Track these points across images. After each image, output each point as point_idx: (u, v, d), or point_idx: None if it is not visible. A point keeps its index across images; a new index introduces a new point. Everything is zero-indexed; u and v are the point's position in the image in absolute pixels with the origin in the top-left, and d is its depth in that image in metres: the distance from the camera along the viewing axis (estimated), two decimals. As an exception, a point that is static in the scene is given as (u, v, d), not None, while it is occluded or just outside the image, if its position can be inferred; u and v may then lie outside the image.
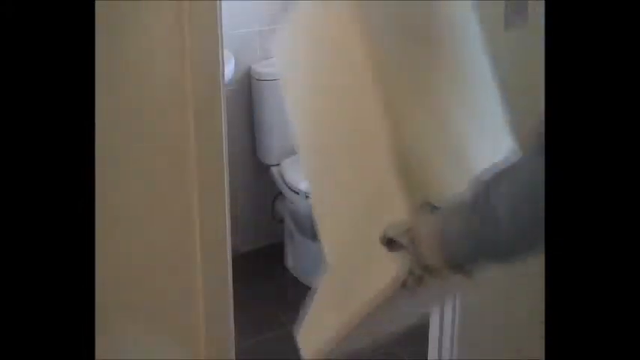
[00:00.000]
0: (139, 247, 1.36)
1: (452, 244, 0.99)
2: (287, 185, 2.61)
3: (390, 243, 1.05)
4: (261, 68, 2.70)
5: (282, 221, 2.80)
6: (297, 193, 2.51)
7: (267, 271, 2.75)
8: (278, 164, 2.73)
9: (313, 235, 2.55)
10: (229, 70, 2.42)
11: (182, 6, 1.26)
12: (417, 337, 2.13)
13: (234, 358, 1.55)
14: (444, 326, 1.86)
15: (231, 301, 1.49)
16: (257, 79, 2.70)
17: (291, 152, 2.51)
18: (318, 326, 1.29)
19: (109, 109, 1.24)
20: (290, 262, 2.77)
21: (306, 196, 2.40)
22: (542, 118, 0.85)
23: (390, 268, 1.06)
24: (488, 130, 1.27)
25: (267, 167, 2.78)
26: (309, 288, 1.29)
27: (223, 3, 1.35)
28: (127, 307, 1.38)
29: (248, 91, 2.77)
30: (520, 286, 1.91)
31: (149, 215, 1.35)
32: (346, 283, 1.21)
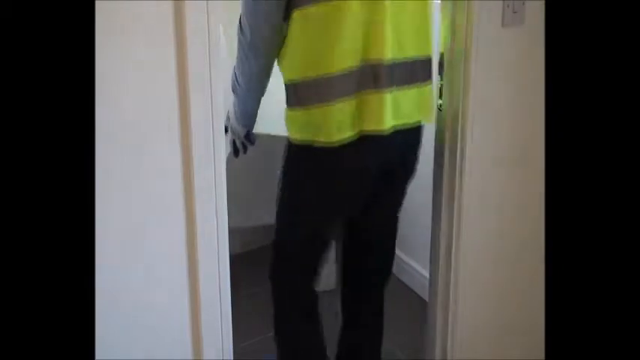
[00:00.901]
0: (139, 246, 1.36)
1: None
2: (286, 185, 2.59)
3: None
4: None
5: (281, 221, 2.80)
6: (297, 193, 2.51)
7: (267, 271, 2.75)
8: (277, 164, 2.72)
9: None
10: (229, 70, 2.43)
11: (182, 6, 1.26)
12: (416, 336, 2.14)
13: (234, 358, 1.55)
14: (443, 326, 1.86)
15: (230, 301, 1.50)
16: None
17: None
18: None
19: (109, 110, 1.24)
20: (290, 262, 2.77)
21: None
22: None
23: None
24: None
25: (267, 167, 2.77)
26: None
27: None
28: (126, 305, 1.38)
29: (248, 91, 2.75)
30: (520, 285, 1.91)
31: (149, 216, 1.35)
32: None
